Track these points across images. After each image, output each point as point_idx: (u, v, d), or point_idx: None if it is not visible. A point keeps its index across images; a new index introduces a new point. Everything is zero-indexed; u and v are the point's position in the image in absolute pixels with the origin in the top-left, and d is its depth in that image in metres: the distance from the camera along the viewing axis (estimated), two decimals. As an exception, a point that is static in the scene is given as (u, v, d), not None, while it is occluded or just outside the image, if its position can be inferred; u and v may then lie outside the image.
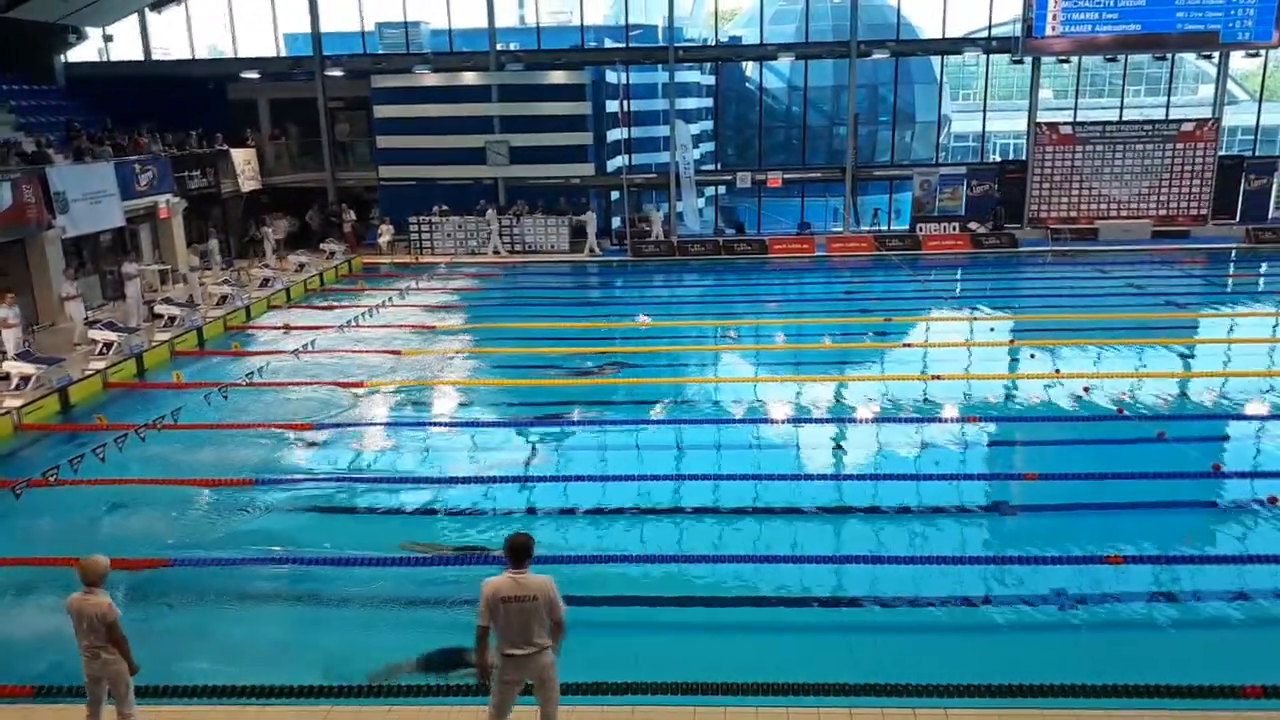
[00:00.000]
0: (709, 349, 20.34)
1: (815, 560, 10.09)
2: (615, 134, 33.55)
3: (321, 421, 14.81)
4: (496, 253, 31.17)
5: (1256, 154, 33.39)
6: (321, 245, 30.25)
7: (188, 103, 31.62)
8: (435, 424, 15.25)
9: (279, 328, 21.94)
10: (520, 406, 16.01)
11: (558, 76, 31.95)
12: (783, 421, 15.05)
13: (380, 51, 33.79)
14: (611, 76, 32.89)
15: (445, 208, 31.96)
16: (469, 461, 13.51)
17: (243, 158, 30.70)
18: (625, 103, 31.83)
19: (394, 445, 14.40)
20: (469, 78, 32.18)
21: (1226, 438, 14.20)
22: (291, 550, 10.49)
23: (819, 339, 20.29)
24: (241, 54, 34.01)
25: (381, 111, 32.02)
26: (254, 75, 33.31)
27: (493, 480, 12.37)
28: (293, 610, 9.56)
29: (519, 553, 6.34)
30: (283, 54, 34.18)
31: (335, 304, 24.34)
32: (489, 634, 6.35)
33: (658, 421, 15.01)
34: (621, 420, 15.28)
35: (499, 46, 32.56)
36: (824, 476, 12.48)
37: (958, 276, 28.54)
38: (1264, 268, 28.59)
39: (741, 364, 19.28)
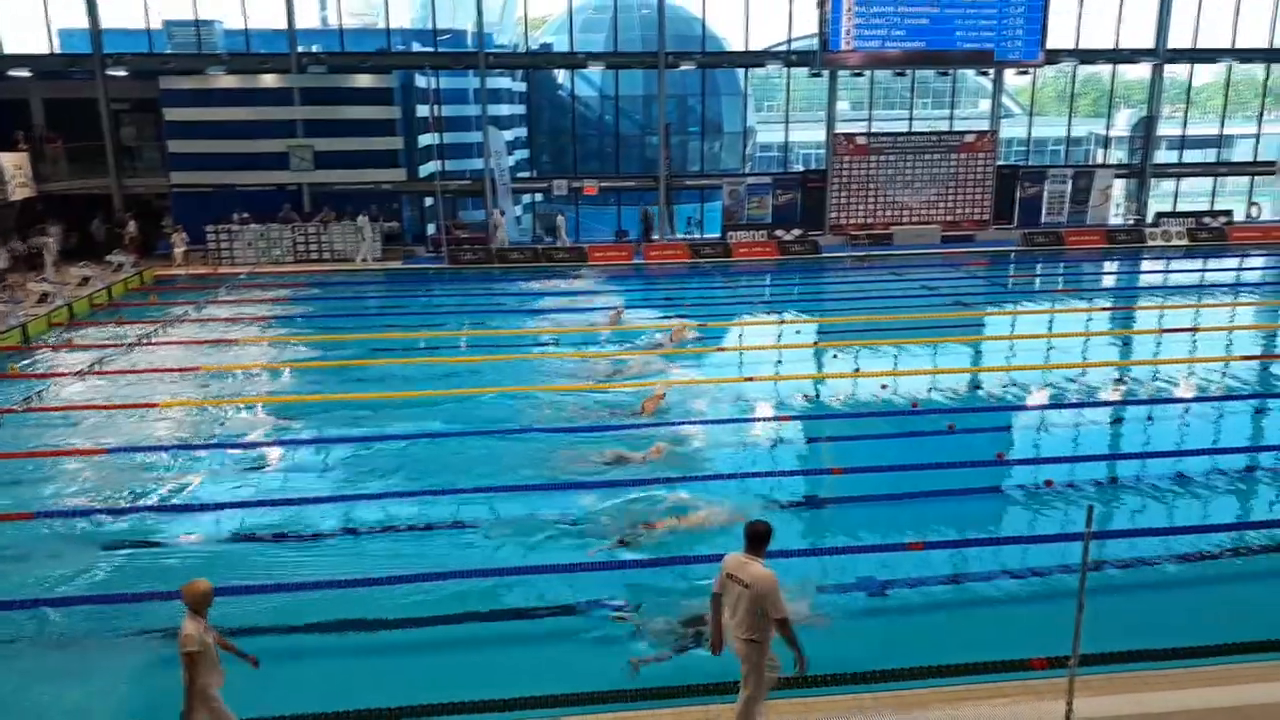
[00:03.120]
0: (526, 357, 20.17)
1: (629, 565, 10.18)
2: (427, 139, 32.89)
3: (112, 447, 13.72)
4: (365, 261, 30.16)
5: (1030, 163, 36.38)
6: (108, 257, 28.11)
7: (-58, 101, 28.78)
8: (237, 446, 14.39)
9: (61, 346, 20.23)
10: (327, 424, 15.36)
11: (364, 80, 31.04)
12: (586, 430, 14.83)
13: (169, 51, 31.78)
14: (421, 81, 32.23)
15: (246, 215, 30.40)
16: (272, 482, 12.84)
17: (12, 162, 28.01)
18: (436, 108, 31.26)
19: (191, 469, 13.49)
20: (268, 80, 30.78)
21: (1009, 427, 15.36)
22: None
23: (639, 344, 20.50)
24: (8, 50, 31.11)
25: (172, 114, 30.14)
26: (24, 73, 30.61)
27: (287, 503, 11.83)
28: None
29: (751, 539, 6.59)
30: (57, 50, 31.56)
31: (126, 320, 22.68)
32: (720, 602, 6.65)
33: (484, 433, 14.69)
34: (416, 435, 14.80)
35: (300, 48, 31.29)
36: (633, 483, 12.52)
37: (766, 282, 29.60)
38: (1039, 268, 31.21)
39: (556, 373, 19.16)
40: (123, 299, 25.62)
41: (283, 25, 30.79)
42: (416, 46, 33.65)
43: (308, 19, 34.73)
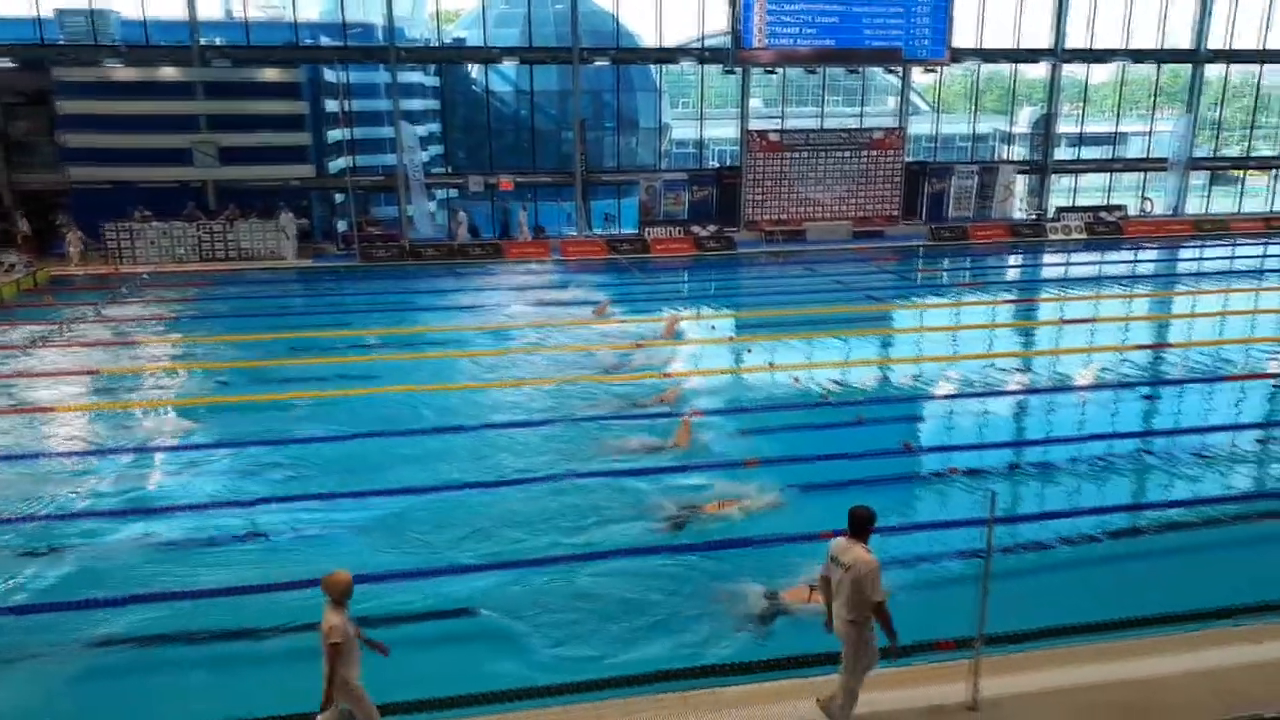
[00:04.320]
0: (440, 355, 19.93)
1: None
2: (337, 134, 32.24)
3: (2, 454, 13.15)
4: (284, 257, 29.35)
5: (936, 160, 37.34)
6: (-2, 256, 26.90)
7: None
8: (140, 449, 13.92)
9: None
10: (232, 425, 14.96)
11: (270, 74, 30.25)
12: (507, 426, 14.78)
13: (62, 41, 30.48)
14: (330, 75, 31.57)
15: (147, 213, 29.38)
16: (176, 486, 12.47)
17: (-108, 158, 26.64)
18: (346, 103, 30.65)
19: (92, 475, 13.00)
20: (170, 73, 29.78)
21: (916, 418, 15.77)
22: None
23: (559, 341, 20.45)
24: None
25: (66, 107, 28.96)
26: (-101, 62, 29.12)
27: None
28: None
29: (852, 523, 6.76)
30: (-61, 39, 30.06)
31: (18, 322, 21.73)
32: (828, 585, 6.89)
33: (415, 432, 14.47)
34: (333, 437, 14.52)
35: (202, 41, 30.35)
36: (553, 477, 12.50)
37: (684, 278, 29.80)
38: (945, 262, 32.06)
39: (467, 371, 18.96)
40: (15, 300, 24.56)
41: (184, 16, 29.81)
42: (325, 40, 32.93)
43: (210, 10, 33.71)
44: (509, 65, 34.38)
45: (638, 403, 15.61)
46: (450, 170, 36.01)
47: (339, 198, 33.11)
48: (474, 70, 36.05)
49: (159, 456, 13.60)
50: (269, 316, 23.33)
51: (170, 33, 30.57)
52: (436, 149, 36.77)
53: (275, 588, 9.52)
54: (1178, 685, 7.54)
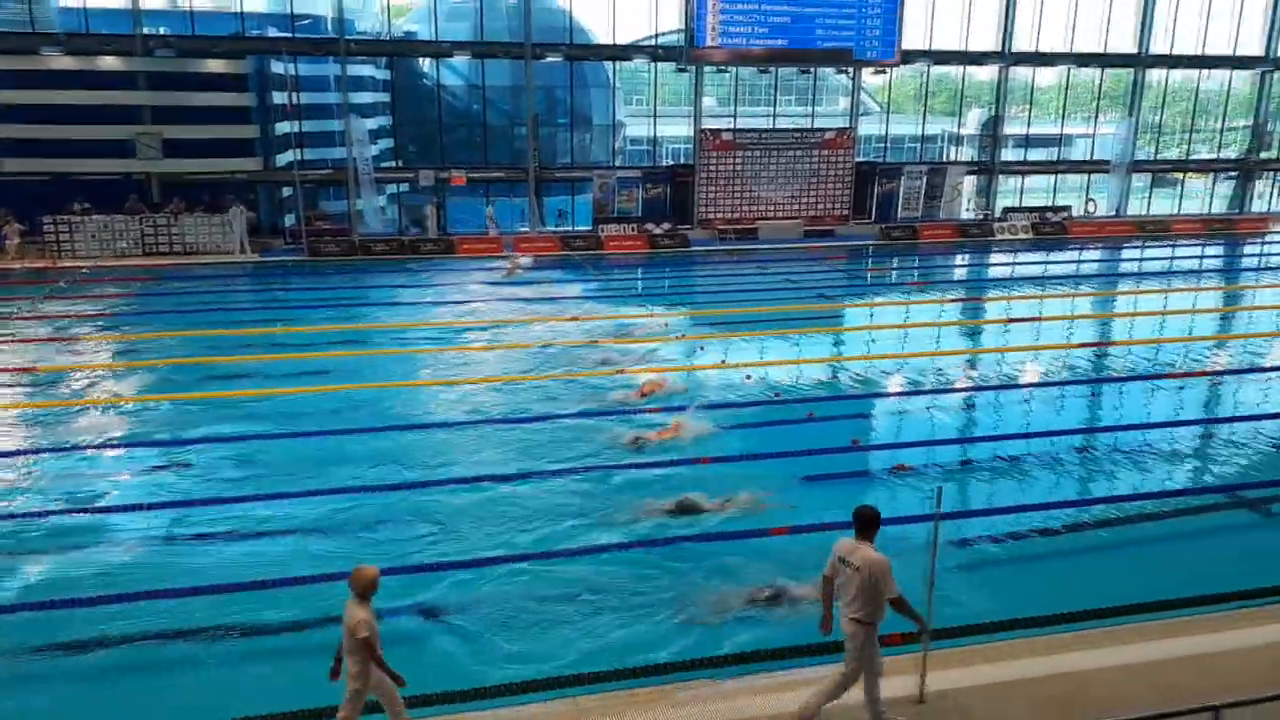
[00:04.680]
0: (386, 352, 19.73)
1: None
2: (285, 127, 31.71)
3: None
4: (242, 250, 28.87)
5: (886, 160, 37.75)
6: (-70, 250, 26.11)
7: None
8: (78, 448, 13.57)
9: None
10: (175, 422, 14.66)
11: (216, 65, 29.71)
12: (453, 425, 14.69)
13: (-3, 28, 29.65)
14: (278, 67, 31.03)
15: (87, 205, 28.67)
16: (113, 487, 12.18)
17: None
18: (294, 95, 30.16)
19: (27, 475, 12.65)
20: (111, 63, 29.10)
21: (866, 415, 15.92)
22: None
23: (514, 338, 20.31)
24: None
25: (2, 97, 28.14)
26: None
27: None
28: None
29: (859, 523, 6.78)
30: None
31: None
32: (831, 584, 6.89)
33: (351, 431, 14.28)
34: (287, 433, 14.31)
35: (146, 30, 29.66)
36: (503, 477, 12.43)
37: (638, 275, 29.80)
38: (895, 261, 32.44)
39: (415, 368, 18.79)
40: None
41: (126, 4, 29.12)
42: (273, 31, 32.36)
43: (153, -1, 32.96)
44: (461, 59, 34.08)
45: (602, 400, 15.60)
46: (401, 165, 35.62)
47: (287, 191, 32.59)
48: (425, 64, 35.67)
49: (94, 455, 13.26)
50: (214, 311, 22.90)
51: (112, 22, 29.85)
52: (387, 143, 36.36)
53: (222, 589, 9.34)
54: (1114, 679, 7.68)
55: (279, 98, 30.80)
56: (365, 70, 34.94)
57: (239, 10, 31.80)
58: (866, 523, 6.82)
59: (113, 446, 13.60)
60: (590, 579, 9.67)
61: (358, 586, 6.46)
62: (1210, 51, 38.40)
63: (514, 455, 13.09)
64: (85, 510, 11.35)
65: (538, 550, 10.31)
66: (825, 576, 7.00)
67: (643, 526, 10.89)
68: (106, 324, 21.16)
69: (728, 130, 34.64)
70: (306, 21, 32.55)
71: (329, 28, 32.24)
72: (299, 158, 31.37)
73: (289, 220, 32.29)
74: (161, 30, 30.92)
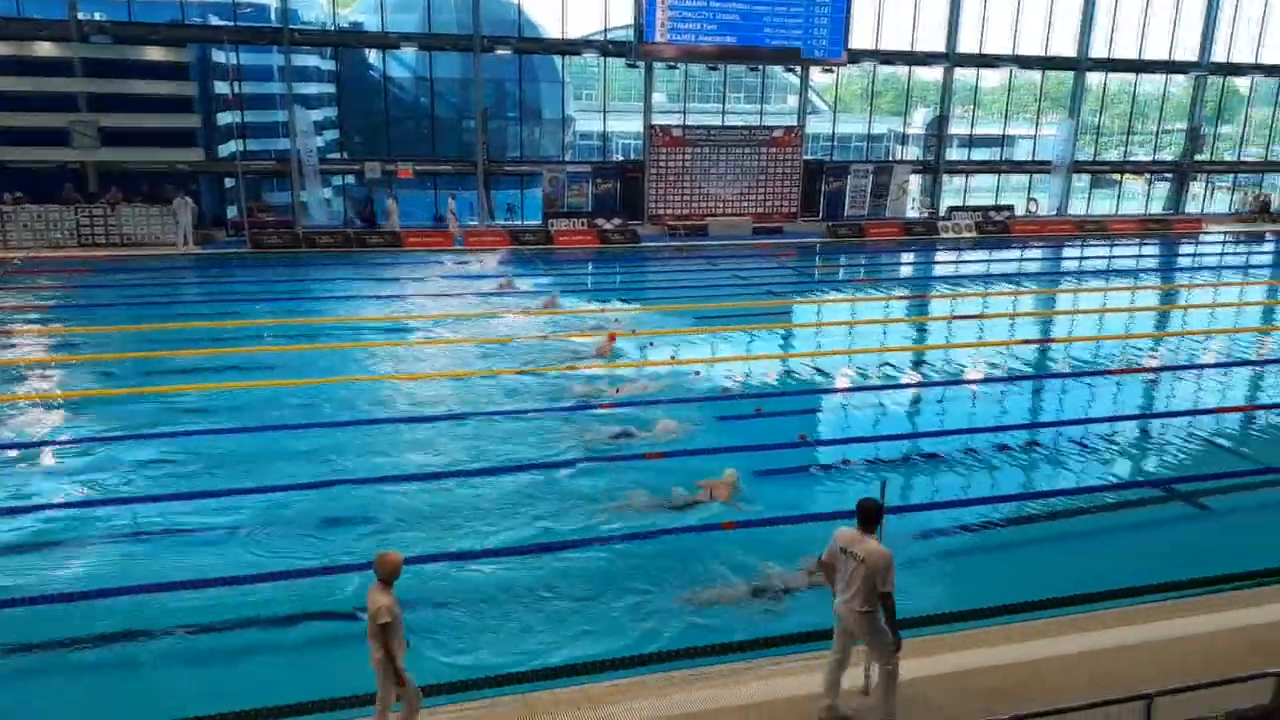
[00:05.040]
0: (336, 346, 19.44)
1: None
2: (227, 117, 31.07)
3: None
4: (187, 245, 28.38)
5: (834, 159, 38.09)
6: None
7: None
8: (10, 446, 13.17)
9: None
10: (112, 418, 14.29)
11: (155, 53, 29.01)
12: (414, 421, 14.63)
13: (-76, 11, 28.63)
14: (220, 56, 30.39)
15: (20, 195, 27.83)
16: (47, 483, 11.85)
17: None
18: (237, 85, 29.56)
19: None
20: (45, 48, 28.31)
21: (814, 410, 16.06)
22: None
23: (458, 332, 20.13)
24: None
25: (-71, 82, 27.23)
26: None
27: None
28: None
29: (862, 516, 6.78)
30: None
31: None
32: (831, 570, 6.93)
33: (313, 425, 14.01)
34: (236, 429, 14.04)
35: (81, 15, 28.85)
36: (464, 473, 12.33)
37: (588, 270, 29.72)
38: (842, 259, 32.76)
39: (371, 362, 18.55)
40: None
41: (61, -12, 28.33)
42: (215, 20, 31.68)
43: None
44: (408, 51, 33.69)
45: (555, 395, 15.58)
46: (346, 156, 35.13)
47: (229, 183, 31.95)
48: (372, 55, 35.19)
49: (30, 451, 12.88)
50: (152, 305, 22.35)
51: (46, 6, 28.98)
52: (332, 134, 35.84)
53: (161, 588, 9.13)
54: (1058, 667, 7.82)
55: (221, 87, 30.17)
56: (311, 60, 34.41)
57: (180, -4, 31.09)
58: (870, 515, 6.85)
59: (46, 444, 13.22)
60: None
61: (382, 572, 6.47)
62: (1148, 56, 39.33)
63: (465, 449, 12.98)
64: (18, 511, 11.01)
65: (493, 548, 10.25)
66: (824, 563, 7.05)
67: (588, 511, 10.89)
68: (41, 317, 20.54)
69: (678, 126, 34.68)
70: (249, 10, 31.92)
71: (273, 17, 31.65)
72: (242, 148, 30.76)
73: (232, 212, 31.65)
74: (98, 16, 30.10)
